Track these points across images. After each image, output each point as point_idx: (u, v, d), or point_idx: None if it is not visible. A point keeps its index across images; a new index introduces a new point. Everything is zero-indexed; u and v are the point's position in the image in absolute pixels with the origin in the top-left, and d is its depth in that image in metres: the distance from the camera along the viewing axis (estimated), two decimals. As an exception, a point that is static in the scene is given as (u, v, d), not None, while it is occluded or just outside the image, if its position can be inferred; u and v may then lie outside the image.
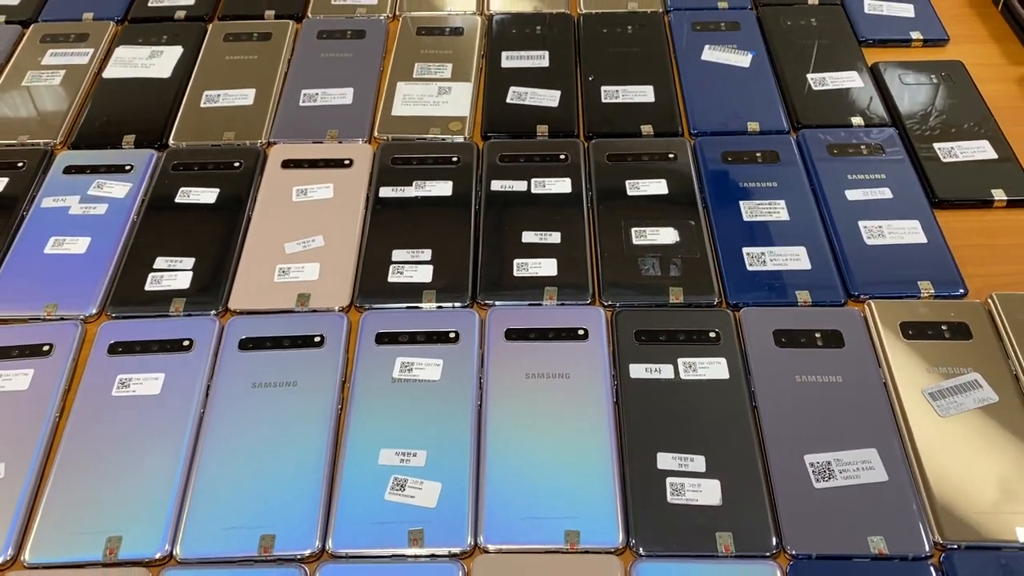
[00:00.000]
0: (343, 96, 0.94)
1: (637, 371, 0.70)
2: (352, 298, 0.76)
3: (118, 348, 0.73)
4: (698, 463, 0.64)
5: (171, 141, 0.90)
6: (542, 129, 0.90)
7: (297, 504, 0.63)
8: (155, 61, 0.99)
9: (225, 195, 0.85)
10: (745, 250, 0.78)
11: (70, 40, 1.02)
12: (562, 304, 0.75)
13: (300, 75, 0.97)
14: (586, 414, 0.67)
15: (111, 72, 0.98)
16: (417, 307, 0.75)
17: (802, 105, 0.92)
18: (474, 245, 0.79)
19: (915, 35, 1.00)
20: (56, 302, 0.76)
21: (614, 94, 0.94)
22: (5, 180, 0.86)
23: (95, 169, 0.87)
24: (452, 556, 0.60)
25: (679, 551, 0.60)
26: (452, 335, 0.73)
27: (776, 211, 0.81)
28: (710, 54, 0.98)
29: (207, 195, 0.85)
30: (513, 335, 0.72)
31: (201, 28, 1.03)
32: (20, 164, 0.88)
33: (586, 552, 0.60)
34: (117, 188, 0.85)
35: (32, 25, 1.03)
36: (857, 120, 0.90)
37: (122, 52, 1.00)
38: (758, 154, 0.87)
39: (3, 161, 0.88)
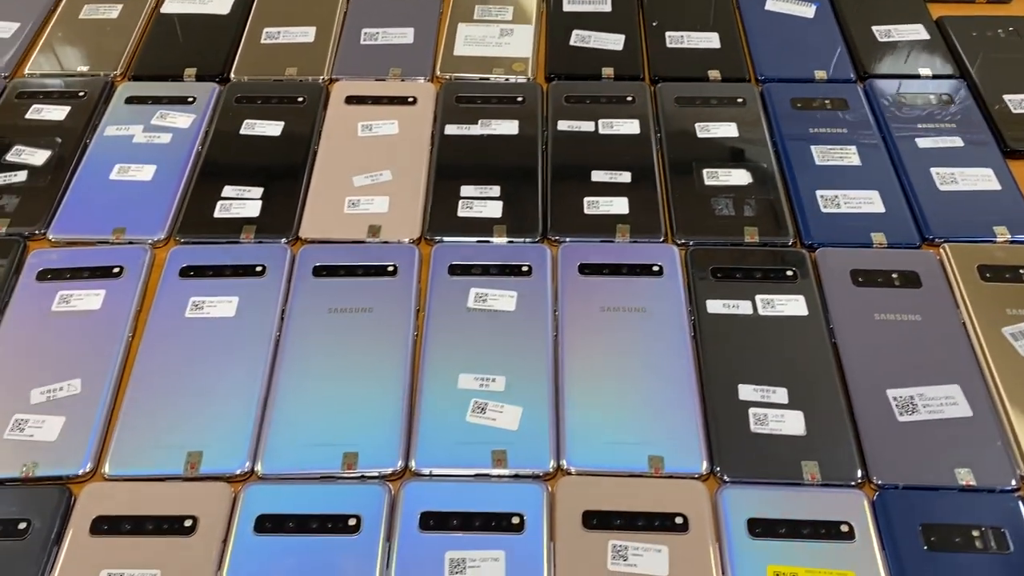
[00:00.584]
0: (403, 35, 0.94)
1: (714, 307, 0.69)
2: (422, 231, 0.75)
3: (190, 272, 0.72)
4: (780, 395, 0.64)
5: (232, 75, 0.89)
6: (608, 71, 0.89)
7: (379, 423, 0.62)
8: (212, -2, 0.98)
9: (290, 128, 0.84)
10: (819, 192, 0.77)
11: (125, -25, 1.01)
12: (634, 241, 0.74)
13: (360, 14, 0.96)
14: (664, 346, 0.67)
15: (169, 7, 0.97)
16: (488, 241, 0.75)
17: (868, 55, 0.91)
18: (542, 182, 0.79)
19: (979, -9, 0.99)
20: (124, 226, 0.75)
21: (679, 39, 0.93)
22: (67, 109, 0.85)
23: (157, 100, 0.87)
24: (536, 477, 0.60)
25: (764, 478, 0.60)
26: (525, 268, 0.72)
27: (848, 156, 0.81)
28: (774, 4, 0.97)
29: (272, 128, 0.84)
30: (587, 270, 0.72)
31: (258, -33, 1.02)
32: (81, 93, 0.87)
33: (670, 477, 0.60)
34: (181, 119, 0.84)
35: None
36: (925, 71, 0.89)
37: (179, -12, 0.99)
38: (827, 101, 0.86)
39: (64, 90, 0.87)
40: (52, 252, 0.74)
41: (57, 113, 0.85)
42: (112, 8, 0.97)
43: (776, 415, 0.63)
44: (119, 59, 0.91)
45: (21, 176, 0.80)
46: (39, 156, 0.81)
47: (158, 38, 0.94)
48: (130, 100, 0.87)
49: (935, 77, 0.89)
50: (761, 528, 0.57)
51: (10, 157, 0.81)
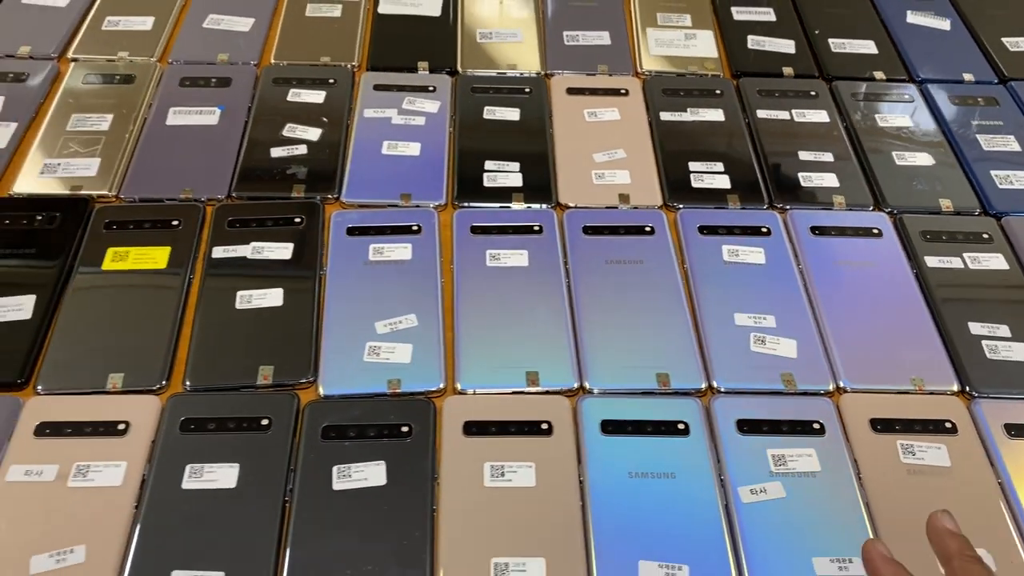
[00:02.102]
0: (601, 38, 1.06)
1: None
2: (663, 198, 0.88)
3: (476, 229, 0.83)
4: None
5: (459, 68, 1.01)
6: (788, 70, 1.03)
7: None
8: (421, 1, 1.10)
9: (526, 114, 0.96)
10: (993, 172, 0.91)
11: (336, -20, 1.12)
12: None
13: (558, 20, 1.08)
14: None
15: (385, 8, 1.09)
16: (724, 207, 0.87)
17: (1005, 62, 1.06)
18: (758, 159, 0.92)
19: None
20: (410, 192, 0.87)
21: (841, 45, 1.07)
22: (323, 93, 0.96)
23: (401, 88, 0.98)
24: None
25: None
26: (765, 230, 0.85)
27: (1009, 143, 0.95)
28: (913, 17, 1.12)
29: (511, 113, 0.96)
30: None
31: (453, -24, 1.14)
32: (331, 80, 0.98)
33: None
34: (428, 104, 0.96)
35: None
36: (1064, 76, 1.04)
37: (389, -8, 1.11)
38: (980, 99, 1.00)
39: (316, 77, 0.98)
40: (352, 213, 0.85)
41: (316, 96, 0.96)
42: (333, 7, 1.08)
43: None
44: (354, 52, 1.02)
45: (302, 149, 0.90)
46: (312, 133, 0.92)
47: (383, 35, 1.05)
48: (377, 87, 0.98)
49: (1069, 81, 1.04)
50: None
51: (286, 133, 0.92)
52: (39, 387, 0.70)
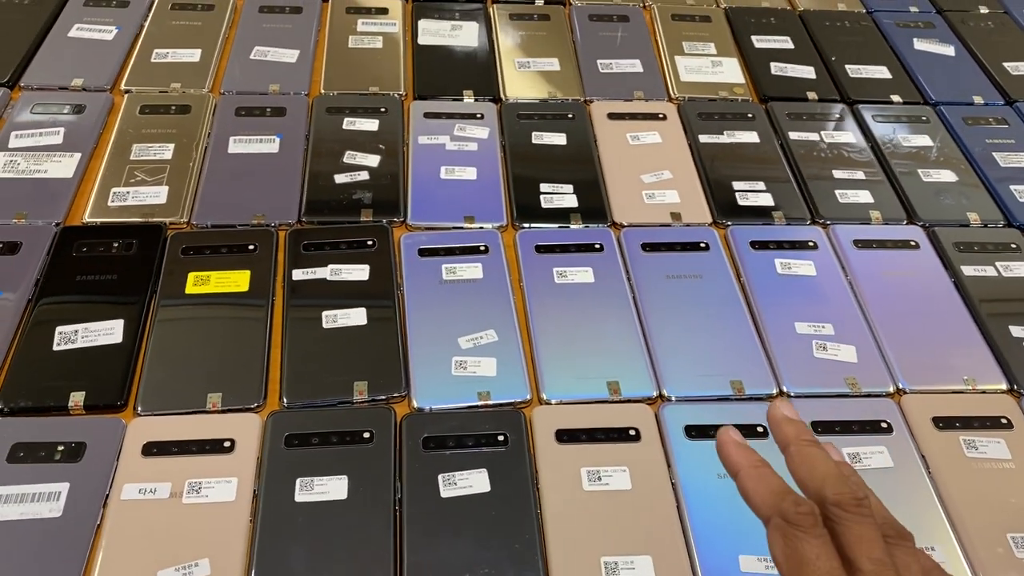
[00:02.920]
0: (634, 65, 1.11)
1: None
2: (713, 216, 0.92)
3: (541, 248, 0.87)
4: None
5: (503, 95, 1.05)
6: (811, 95, 1.09)
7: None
8: (458, 33, 1.14)
9: (572, 139, 1.00)
10: (1012, 187, 0.98)
11: (372, 12, 1.16)
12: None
13: (589, 49, 1.13)
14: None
15: (424, 40, 1.13)
16: (770, 222, 0.92)
17: (1010, 85, 1.13)
18: (795, 177, 0.97)
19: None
20: (473, 215, 0.90)
21: (857, 71, 1.13)
22: (376, 121, 1.00)
23: (451, 116, 1.02)
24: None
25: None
26: (804, 243, 0.90)
27: (1022, 160, 1.02)
28: (920, 44, 1.19)
29: (558, 138, 1.00)
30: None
31: (483, 7, 1.18)
32: (383, 109, 1.02)
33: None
34: (478, 131, 1.00)
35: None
36: (1063, 97, 1.12)
37: (426, 25, 1.15)
38: (991, 119, 1.07)
39: (368, 107, 1.02)
40: (420, 235, 0.88)
41: (370, 125, 0.99)
42: (375, 39, 1.12)
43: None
44: (399, 81, 1.06)
45: (364, 175, 0.93)
46: (371, 159, 0.95)
47: (425, 65, 1.09)
48: (428, 115, 1.01)
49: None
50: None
51: (347, 160, 0.95)
52: (139, 408, 0.72)
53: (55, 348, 0.75)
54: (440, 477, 0.68)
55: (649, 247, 0.88)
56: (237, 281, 0.81)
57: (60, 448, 0.68)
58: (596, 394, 0.75)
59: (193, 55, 1.06)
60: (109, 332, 0.76)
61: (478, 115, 1.02)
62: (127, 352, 0.75)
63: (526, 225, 0.90)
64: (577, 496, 0.68)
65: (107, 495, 0.66)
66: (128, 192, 0.89)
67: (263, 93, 1.02)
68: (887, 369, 0.79)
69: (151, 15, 1.12)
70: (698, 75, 1.11)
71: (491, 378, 0.76)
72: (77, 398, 0.71)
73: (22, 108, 0.96)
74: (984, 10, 1.28)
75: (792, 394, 0.77)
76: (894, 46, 1.19)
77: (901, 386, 0.78)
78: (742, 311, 0.83)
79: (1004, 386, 0.79)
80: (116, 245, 0.84)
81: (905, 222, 0.94)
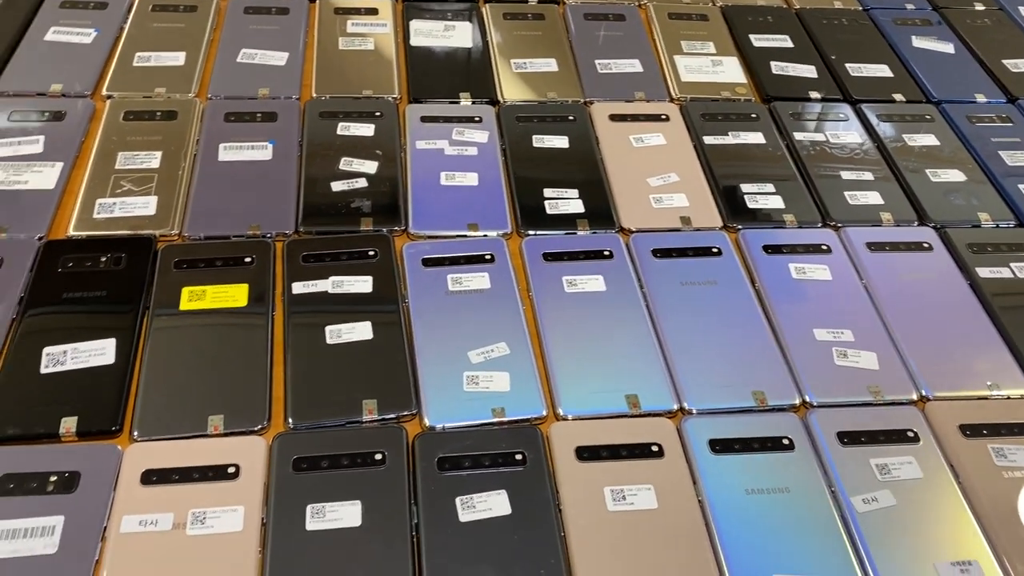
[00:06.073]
0: (633, 65, 1.09)
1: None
2: (724, 220, 0.90)
3: (549, 256, 0.84)
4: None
5: (500, 97, 1.02)
6: (814, 94, 1.07)
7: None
8: (451, 34, 1.11)
9: (574, 141, 0.97)
10: (1021, 186, 0.96)
11: (361, 13, 1.12)
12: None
13: (586, 49, 1.10)
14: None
15: (416, 41, 1.09)
16: (782, 225, 0.90)
17: (1011, 82, 1.12)
18: (804, 179, 0.95)
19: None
20: (476, 222, 0.87)
21: (858, 69, 1.12)
22: (372, 126, 0.96)
23: (447, 119, 0.98)
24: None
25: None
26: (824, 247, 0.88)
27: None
28: (919, 42, 1.18)
29: (559, 141, 0.97)
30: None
31: (475, 6, 1.15)
32: (377, 113, 0.98)
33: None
34: (477, 135, 0.97)
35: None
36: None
37: (417, 25, 1.12)
38: (995, 116, 1.06)
39: (363, 111, 0.98)
40: (423, 244, 0.84)
41: (365, 130, 0.96)
42: (366, 40, 1.08)
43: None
44: (393, 84, 1.03)
45: (362, 182, 0.90)
46: (368, 166, 0.92)
47: (419, 66, 1.06)
48: (424, 119, 0.98)
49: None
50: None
51: (343, 166, 0.91)
52: (135, 433, 0.68)
53: (43, 371, 0.70)
54: (458, 500, 0.65)
55: (660, 253, 0.86)
56: (235, 295, 0.77)
57: (53, 479, 0.64)
58: (614, 408, 0.73)
59: (177, 58, 1.02)
60: (100, 352, 0.72)
61: (476, 118, 0.99)
62: (120, 373, 0.71)
63: (532, 232, 0.87)
64: (602, 517, 0.65)
65: (105, 528, 0.62)
66: (114, 203, 0.84)
67: (252, 98, 0.98)
68: (909, 376, 0.77)
69: (131, 17, 1.07)
70: (699, 75, 1.08)
71: (505, 393, 0.72)
72: (69, 424, 0.67)
73: (-1, 115, 0.92)
74: (980, 7, 1.26)
75: (815, 404, 0.74)
76: (893, 44, 1.17)
77: (924, 393, 0.76)
78: (759, 318, 0.80)
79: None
80: (104, 259, 0.79)
81: (916, 223, 0.92)
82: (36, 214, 0.83)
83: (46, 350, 0.71)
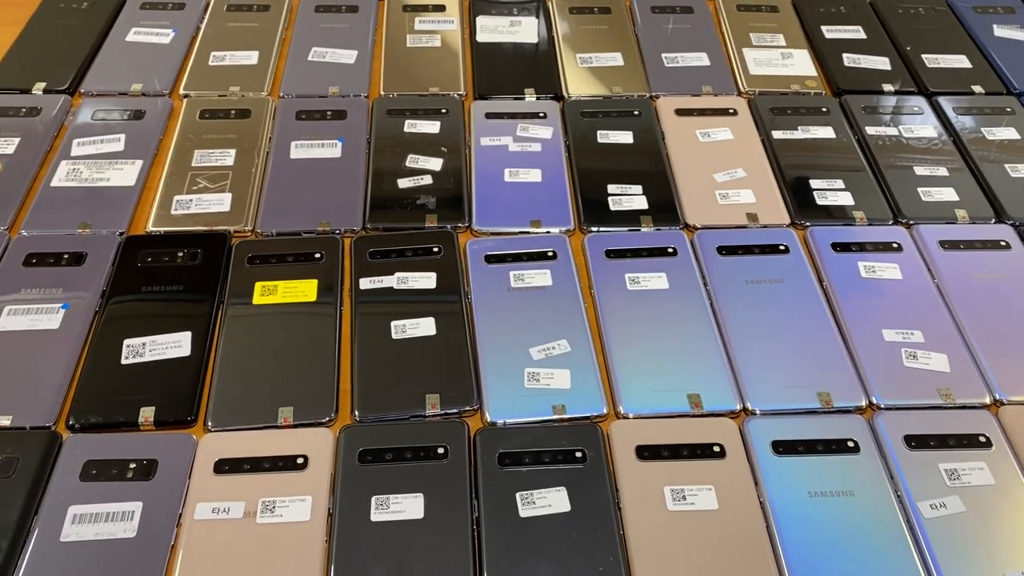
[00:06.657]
0: (700, 59, 1.08)
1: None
2: (791, 217, 0.89)
3: (611, 253, 0.84)
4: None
5: (565, 93, 1.02)
6: (887, 87, 1.04)
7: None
8: (517, 29, 1.11)
9: (639, 136, 0.97)
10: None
11: (429, 10, 1.14)
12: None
13: (653, 42, 1.10)
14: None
15: (483, 37, 1.10)
16: (852, 223, 0.88)
17: (1101, 71, 1.07)
18: (875, 175, 0.93)
19: None
20: (539, 219, 0.87)
21: (935, 60, 1.08)
22: (438, 123, 0.97)
23: (512, 116, 0.99)
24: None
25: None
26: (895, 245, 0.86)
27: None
28: (1000, 31, 1.14)
29: (624, 136, 0.97)
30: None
31: (542, 1, 1.15)
32: (444, 110, 0.99)
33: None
34: (541, 131, 0.97)
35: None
36: None
37: (484, 21, 1.12)
38: (1077, 106, 1.02)
39: (428, 108, 0.99)
40: (486, 241, 0.85)
41: (431, 127, 0.97)
42: (432, 38, 1.09)
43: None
44: (459, 80, 1.04)
45: (427, 179, 0.91)
46: (434, 163, 0.93)
47: (484, 63, 1.06)
48: (489, 115, 0.99)
49: None
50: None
51: (409, 163, 0.93)
52: (209, 423, 0.70)
53: (123, 361, 0.73)
54: (518, 496, 0.66)
55: (725, 250, 0.85)
56: (305, 290, 0.79)
57: (132, 466, 0.67)
58: (676, 407, 0.72)
59: (251, 57, 1.05)
60: (177, 345, 0.75)
61: (540, 114, 0.99)
62: (195, 365, 0.74)
63: (594, 229, 0.87)
64: (661, 516, 0.65)
65: (180, 514, 0.65)
66: (191, 200, 0.87)
67: (322, 96, 1.01)
68: (982, 379, 0.75)
69: (207, 17, 1.10)
70: (768, 68, 1.07)
71: (565, 391, 0.73)
72: (147, 413, 0.70)
73: (83, 115, 0.95)
74: (1060, -6, 1.21)
75: (883, 406, 0.73)
76: (972, 34, 1.13)
77: (998, 397, 0.74)
78: (826, 317, 0.79)
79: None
80: (181, 254, 0.82)
81: (993, 221, 0.89)
82: (117, 210, 0.86)
83: (126, 342, 0.75)
